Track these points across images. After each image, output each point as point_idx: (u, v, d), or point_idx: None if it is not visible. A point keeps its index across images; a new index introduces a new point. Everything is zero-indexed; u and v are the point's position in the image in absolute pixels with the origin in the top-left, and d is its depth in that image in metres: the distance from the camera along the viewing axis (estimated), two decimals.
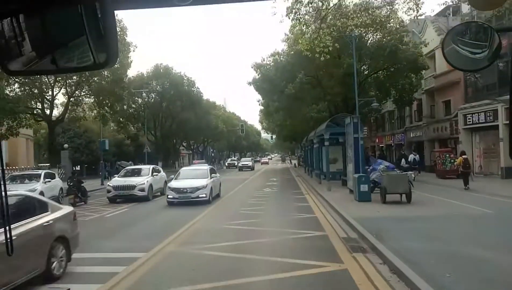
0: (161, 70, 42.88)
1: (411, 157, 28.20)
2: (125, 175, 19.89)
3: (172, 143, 54.66)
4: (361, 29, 27.12)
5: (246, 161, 52.92)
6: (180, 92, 43.68)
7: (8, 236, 1.61)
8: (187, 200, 16.28)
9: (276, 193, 21.75)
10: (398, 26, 26.86)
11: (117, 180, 19.02)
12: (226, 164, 60.53)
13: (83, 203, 18.09)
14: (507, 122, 19.65)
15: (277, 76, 28.45)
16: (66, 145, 38.98)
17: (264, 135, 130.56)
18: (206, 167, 20.40)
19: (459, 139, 26.30)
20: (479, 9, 4.49)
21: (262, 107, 34.98)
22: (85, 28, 1.16)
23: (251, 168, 48.36)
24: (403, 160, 26.71)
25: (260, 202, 17.32)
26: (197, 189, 16.60)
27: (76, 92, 29.13)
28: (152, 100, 44.20)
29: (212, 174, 18.68)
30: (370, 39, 28.08)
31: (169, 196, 16.86)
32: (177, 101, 45.14)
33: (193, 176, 17.89)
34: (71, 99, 29.76)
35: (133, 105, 42.98)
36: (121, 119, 43.26)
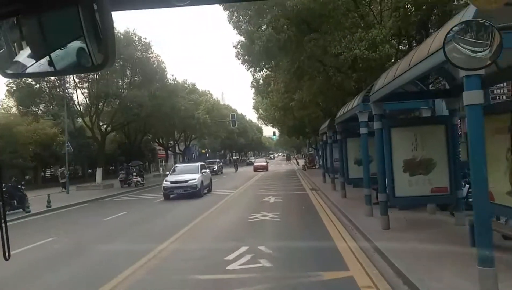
0: None
1: None
2: None
3: (130, 139, 38.71)
4: None
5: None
6: (126, 58, 27.79)
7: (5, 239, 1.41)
8: None
9: None
10: None
11: None
12: None
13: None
14: None
15: None
16: None
17: (266, 133, 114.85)
18: None
19: None
20: (480, 7, 2.95)
21: (238, 51, 17.84)
22: (82, 30, 1.13)
23: (196, 189, 19.39)
24: None
25: None
26: None
27: None
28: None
29: None
30: None
31: None
32: (126, 71, 29.22)
33: None
34: None
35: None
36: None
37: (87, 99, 29.75)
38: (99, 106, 29.56)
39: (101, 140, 30.43)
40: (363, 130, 11.29)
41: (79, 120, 34.98)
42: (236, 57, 16.96)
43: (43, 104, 28.72)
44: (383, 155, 9.40)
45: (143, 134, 39.35)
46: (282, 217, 12.51)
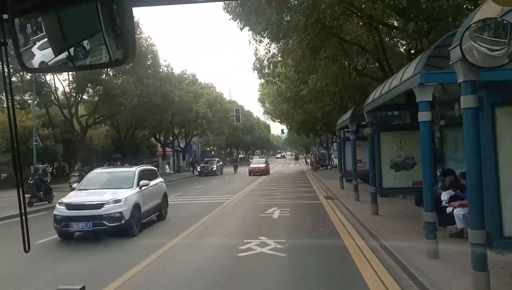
0: None
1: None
2: None
3: (120, 134, 34.56)
4: None
5: None
6: None
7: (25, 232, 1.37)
8: None
9: None
10: None
11: None
12: (199, 169, 39.70)
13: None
14: None
15: None
16: None
17: (275, 131, 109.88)
18: None
19: None
20: (500, 4, 2.75)
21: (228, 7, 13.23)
22: (101, 25, 1.13)
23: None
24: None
25: None
26: None
27: None
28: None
29: None
30: None
31: None
32: None
33: None
34: None
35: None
36: None
37: (64, 86, 25.71)
38: (79, 94, 25.45)
39: (81, 134, 26.30)
40: (423, 116, 6.83)
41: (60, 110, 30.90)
42: (224, 10, 12.37)
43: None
44: (480, 156, 5.03)
45: (135, 128, 35.14)
46: (289, 248, 8.19)
